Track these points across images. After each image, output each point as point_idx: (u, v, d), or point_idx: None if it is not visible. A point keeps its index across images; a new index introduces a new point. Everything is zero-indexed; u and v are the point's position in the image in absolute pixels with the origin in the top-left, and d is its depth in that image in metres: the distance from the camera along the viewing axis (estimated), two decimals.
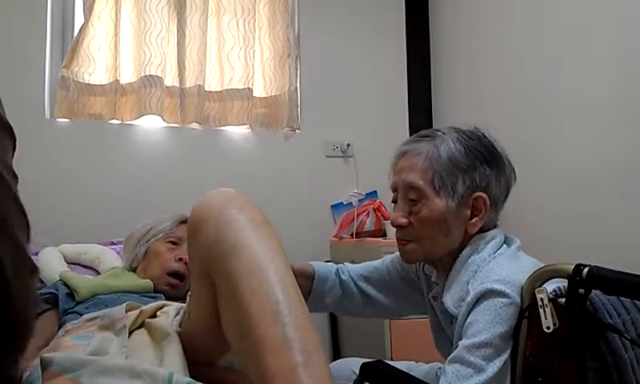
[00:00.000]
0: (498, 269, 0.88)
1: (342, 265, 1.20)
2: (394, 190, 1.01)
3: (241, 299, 0.66)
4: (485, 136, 0.99)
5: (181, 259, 1.37)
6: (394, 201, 1.01)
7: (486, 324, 0.81)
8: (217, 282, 0.72)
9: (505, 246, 0.96)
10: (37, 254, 1.60)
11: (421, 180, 0.94)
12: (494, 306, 0.82)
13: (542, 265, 0.83)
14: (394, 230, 1.01)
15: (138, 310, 0.97)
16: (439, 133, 0.99)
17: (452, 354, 0.83)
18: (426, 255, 0.98)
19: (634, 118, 1.59)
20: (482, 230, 0.96)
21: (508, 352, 0.81)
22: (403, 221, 0.96)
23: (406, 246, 0.98)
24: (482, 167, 0.95)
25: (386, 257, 1.19)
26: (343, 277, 1.17)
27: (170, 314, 0.95)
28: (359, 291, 1.16)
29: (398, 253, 1.16)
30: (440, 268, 1.00)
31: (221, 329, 0.73)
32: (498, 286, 0.83)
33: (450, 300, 0.92)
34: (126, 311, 0.96)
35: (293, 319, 0.63)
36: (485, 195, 0.94)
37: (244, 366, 0.68)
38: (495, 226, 0.99)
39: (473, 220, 0.95)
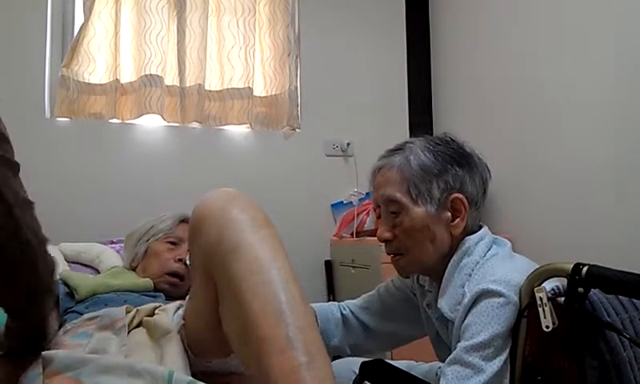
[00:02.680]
0: (493, 270, 0.89)
1: (342, 303, 1.22)
2: (377, 207, 1.03)
3: (243, 299, 0.66)
4: (452, 139, 1.01)
5: (180, 260, 1.37)
6: (379, 216, 1.03)
7: (484, 325, 0.82)
8: (218, 281, 0.72)
9: (495, 246, 0.96)
10: None
11: (398, 192, 0.96)
12: (491, 307, 0.82)
13: (537, 265, 0.83)
14: None
15: (135, 310, 0.97)
16: (408, 144, 1.01)
17: (451, 356, 0.83)
18: (419, 265, 0.99)
19: (633, 118, 1.59)
20: (468, 232, 0.97)
21: (507, 351, 0.81)
22: (388, 235, 0.98)
23: (399, 262, 1.00)
24: (454, 169, 0.97)
25: (381, 284, 1.21)
26: (345, 312, 1.19)
27: (169, 310, 0.95)
28: (360, 324, 1.17)
29: (391, 279, 1.18)
30: (434, 275, 1.01)
31: (221, 328, 0.73)
32: (493, 286, 0.84)
33: (445, 305, 0.93)
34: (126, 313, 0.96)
35: (295, 319, 0.63)
36: (461, 195, 0.96)
37: (246, 367, 0.67)
38: (480, 227, 1.00)
39: (455, 221, 0.96)
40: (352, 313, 1.18)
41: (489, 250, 0.95)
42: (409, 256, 0.98)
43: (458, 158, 0.98)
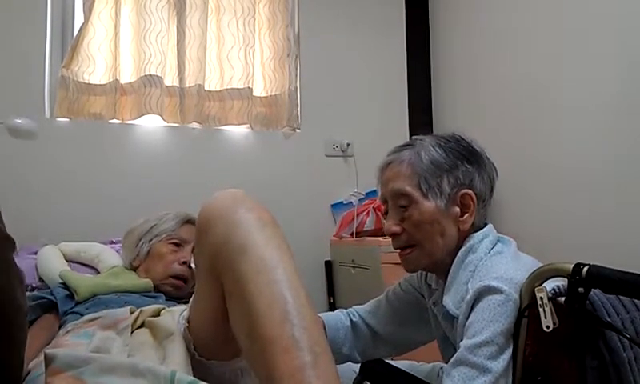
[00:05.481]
0: (496, 267, 0.89)
1: (351, 309, 1.21)
2: (384, 202, 1.03)
3: (249, 299, 0.66)
4: (462, 138, 1.02)
5: (184, 262, 1.35)
6: (386, 212, 1.03)
7: (486, 323, 0.82)
8: (225, 281, 0.73)
9: (500, 244, 0.97)
10: (36, 253, 1.60)
11: (408, 186, 0.97)
12: (493, 304, 0.83)
13: (542, 264, 0.83)
14: None
15: (138, 310, 0.97)
16: (418, 140, 1.02)
17: (455, 356, 0.83)
18: (428, 259, 0.98)
19: (633, 118, 1.60)
20: (475, 229, 0.98)
21: (511, 349, 0.81)
22: (396, 228, 0.98)
23: (409, 255, 0.99)
24: (464, 165, 0.98)
25: (388, 288, 1.21)
26: (354, 319, 1.18)
27: (175, 313, 0.95)
28: (369, 330, 1.17)
29: (398, 282, 1.18)
30: (440, 272, 1.01)
31: (226, 328, 0.73)
32: (494, 283, 0.84)
33: (450, 301, 0.93)
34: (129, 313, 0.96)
35: (301, 319, 0.64)
36: (470, 191, 0.97)
37: (252, 366, 0.68)
38: (486, 224, 1.00)
39: (463, 217, 0.97)
40: (361, 319, 1.18)
41: (493, 246, 0.96)
42: (419, 249, 0.98)
43: (467, 155, 0.99)
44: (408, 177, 0.97)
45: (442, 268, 0.99)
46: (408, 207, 0.97)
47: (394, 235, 1.00)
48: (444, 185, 0.96)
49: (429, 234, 0.96)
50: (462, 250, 0.95)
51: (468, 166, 0.98)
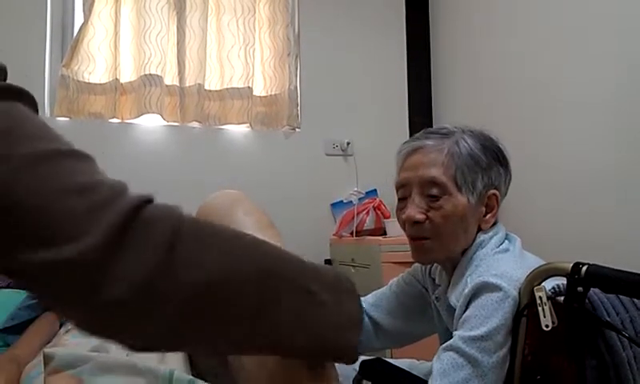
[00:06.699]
0: (497, 263, 0.89)
1: None
2: (402, 186, 0.99)
3: None
4: (494, 138, 1.01)
5: None
6: (403, 197, 0.99)
7: (484, 318, 0.81)
8: None
9: (507, 241, 0.97)
10: None
11: (444, 175, 0.94)
12: (491, 301, 0.82)
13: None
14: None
15: None
16: (454, 130, 0.99)
17: (448, 342, 0.83)
18: (446, 253, 0.96)
19: (633, 118, 1.60)
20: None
21: (506, 347, 0.81)
22: (421, 216, 0.94)
23: (425, 245, 0.96)
24: (497, 166, 0.97)
25: (392, 280, 1.19)
26: None
27: None
28: (372, 322, 1.15)
29: (401, 275, 1.16)
30: (449, 266, 1.00)
31: None
32: (493, 280, 0.83)
33: (453, 296, 0.93)
34: None
35: None
36: (498, 193, 0.97)
37: (251, 365, 0.68)
38: (496, 222, 1.00)
39: (486, 217, 0.96)
40: (364, 311, 1.16)
41: (501, 244, 0.95)
42: (439, 241, 0.95)
43: (501, 158, 0.98)
44: (446, 166, 0.94)
45: (451, 263, 0.99)
46: (439, 198, 0.93)
47: (415, 223, 0.95)
48: (478, 182, 0.94)
49: (455, 228, 0.94)
50: (473, 245, 0.95)
51: (500, 168, 0.97)
